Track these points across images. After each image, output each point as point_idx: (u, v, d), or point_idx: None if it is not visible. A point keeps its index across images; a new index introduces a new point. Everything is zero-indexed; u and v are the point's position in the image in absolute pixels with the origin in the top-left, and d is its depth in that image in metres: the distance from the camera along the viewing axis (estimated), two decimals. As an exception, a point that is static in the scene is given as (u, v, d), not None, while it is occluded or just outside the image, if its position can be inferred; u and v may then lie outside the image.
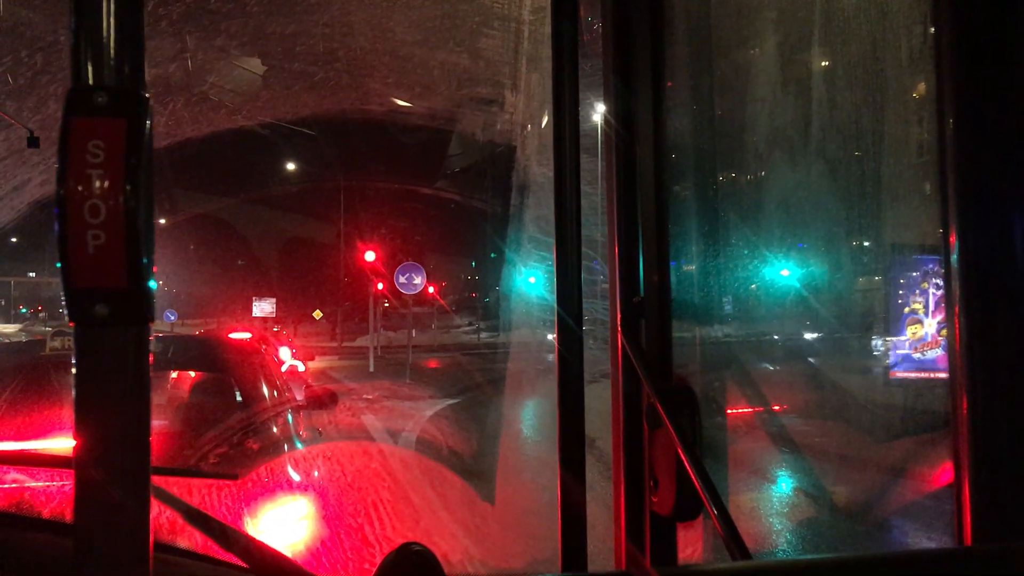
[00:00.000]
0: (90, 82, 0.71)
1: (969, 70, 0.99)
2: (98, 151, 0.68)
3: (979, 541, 0.88)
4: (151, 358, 0.74)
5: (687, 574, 0.91)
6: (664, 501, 1.65)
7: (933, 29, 1.05)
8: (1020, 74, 0.94)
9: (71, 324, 0.72)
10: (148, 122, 0.69)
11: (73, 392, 0.71)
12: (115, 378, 0.71)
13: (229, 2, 4.84)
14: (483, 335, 37.57)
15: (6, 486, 2.85)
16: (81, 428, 0.71)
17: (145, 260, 0.69)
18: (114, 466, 0.71)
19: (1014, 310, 0.92)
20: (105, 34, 0.70)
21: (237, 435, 4.61)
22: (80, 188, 0.68)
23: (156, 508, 2.00)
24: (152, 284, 0.70)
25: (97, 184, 0.68)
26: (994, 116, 0.97)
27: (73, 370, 0.71)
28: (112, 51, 0.70)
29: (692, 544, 1.81)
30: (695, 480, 1.37)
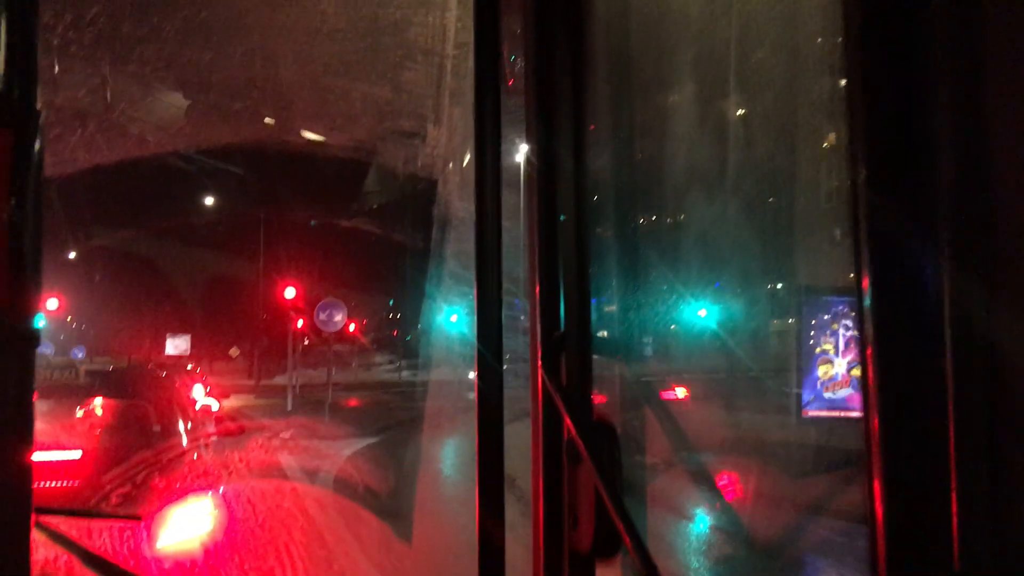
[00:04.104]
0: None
1: (879, 118, 1.03)
2: (-18, 164, 0.63)
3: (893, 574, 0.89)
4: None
5: None
6: (583, 538, 1.64)
7: (844, 80, 1.09)
8: (928, 122, 0.98)
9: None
10: (39, 135, 0.65)
11: None
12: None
13: (143, 27, 4.71)
14: (404, 373, 37.17)
15: None
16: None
17: (30, 281, 0.64)
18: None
19: (924, 350, 0.95)
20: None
21: (142, 473, 4.47)
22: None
23: (53, 552, 1.89)
24: (39, 315, 0.65)
25: (-21, 199, 0.63)
26: (901, 163, 1.01)
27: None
28: (1, 59, 0.65)
29: (611, 583, 1.80)
30: (615, 516, 1.36)
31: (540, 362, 1.76)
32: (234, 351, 36.84)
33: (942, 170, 0.96)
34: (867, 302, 1.00)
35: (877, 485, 0.95)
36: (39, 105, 0.64)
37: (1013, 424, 0.84)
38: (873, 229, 1.01)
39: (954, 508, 0.86)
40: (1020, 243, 0.88)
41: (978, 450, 0.86)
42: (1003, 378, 0.86)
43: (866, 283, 1.00)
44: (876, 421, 0.98)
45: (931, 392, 0.93)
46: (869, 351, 1.00)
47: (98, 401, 6.42)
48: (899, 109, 1.02)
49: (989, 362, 0.88)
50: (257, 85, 5.88)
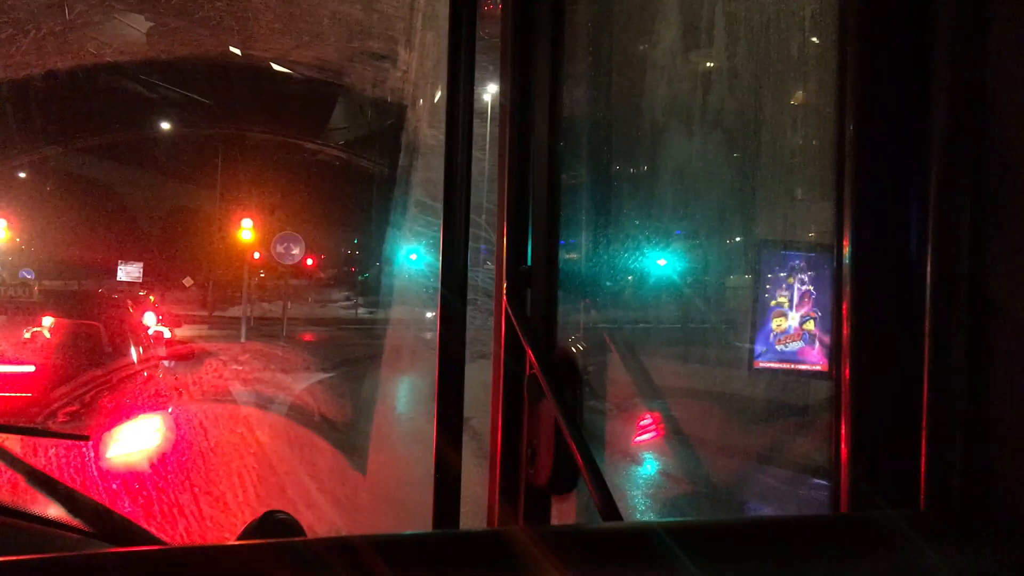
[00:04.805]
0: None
1: (871, 73, 1.01)
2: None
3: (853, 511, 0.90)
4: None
5: (560, 533, 0.89)
6: (541, 473, 1.64)
7: (839, 29, 1.06)
8: (922, 78, 0.96)
9: None
10: None
11: None
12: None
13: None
14: (361, 310, 37.05)
15: None
16: None
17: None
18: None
19: (900, 304, 0.95)
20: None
21: (92, 392, 4.46)
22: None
23: (-2, 468, 1.85)
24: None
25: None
26: (890, 122, 0.99)
27: None
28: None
29: (566, 519, 1.81)
30: (574, 450, 1.36)
31: (505, 296, 1.74)
32: (188, 281, 36.38)
33: (933, 126, 0.94)
34: (847, 257, 0.99)
35: (844, 426, 0.95)
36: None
37: (987, 370, 0.84)
38: (858, 184, 1.00)
39: (923, 448, 0.86)
40: (1010, 201, 0.87)
41: (950, 394, 0.87)
42: (980, 326, 0.86)
43: (847, 238, 0.99)
44: (847, 367, 0.98)
45: (906, 340, 0.92)
46: (845, 307, 1.00)
47: (52, 320, 6.68)
48: (892, 65, 1.00)
49: (968, 318, 0.88)
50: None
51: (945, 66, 0.94)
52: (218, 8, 5.90)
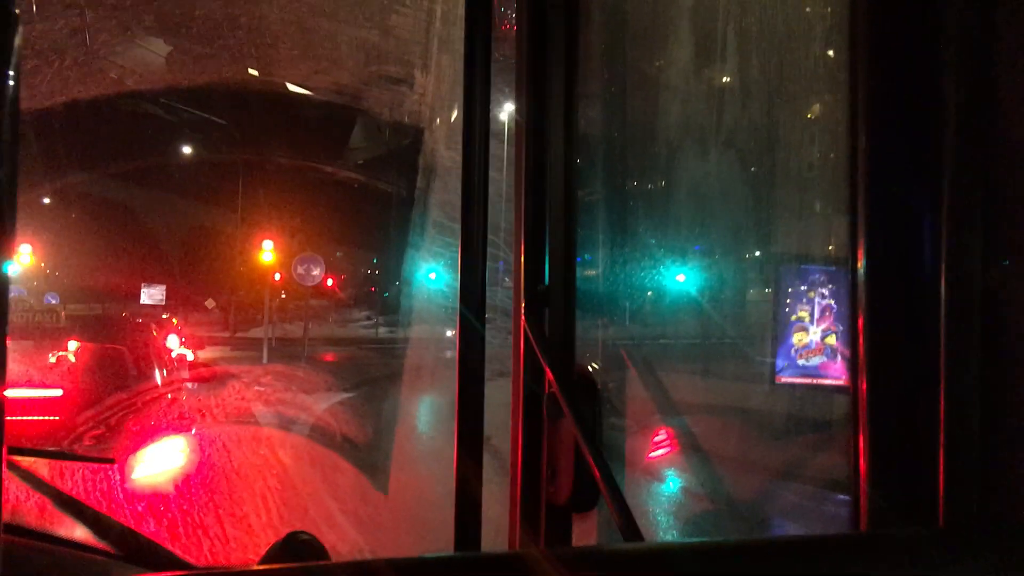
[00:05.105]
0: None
1: (883, 87, 1.01)
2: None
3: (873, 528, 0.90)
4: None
5: (580, 555, 0.89)
6: (561, 491, 1.64)
7: (850, 45, 1.06)
8: (932, 91, 0.96)
9: None
10: (16, 52, 0.58)
11: None
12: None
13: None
14: (382, 330, 37.13)
15: None
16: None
17: (6, 218, 0.58)
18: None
19: (915, 319, 0.94)
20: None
21: (117, 415, 4.52)
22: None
23: (24, 492, 1.87)
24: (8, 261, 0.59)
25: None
26: (903, 133, 0.99)
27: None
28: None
29: (587, 537, 1.81)
30: (594, 468, 1.36)
31: (523, 314, 1.75)
32: (210, 303, 36.61)
33: (944, 139, 0.94)
34: (861, 271, 0.99)
35: (862, 442, 0.95)
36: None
37: (1003, 384, 0.84)
38: (872, 198, 1.00)
39: (941, 465, 0.86)
40: (1022, 213, 0.87)
41: (967, 409, 0.86)
42: (995, 339, 0.86)
43: (861, 252, 0.99)
44: (864, 382, 0.97)
45: (922, 355, 0.92)
46: (860, 321, 0.99)
47: (79, 344, 6.88)
48: (903, 78, 1.00)
49: (983, 332, 0.88)
50: (240, 24, 5.75)
51: (956, 80, 0.94)
52: (238, 37, 5.99)
